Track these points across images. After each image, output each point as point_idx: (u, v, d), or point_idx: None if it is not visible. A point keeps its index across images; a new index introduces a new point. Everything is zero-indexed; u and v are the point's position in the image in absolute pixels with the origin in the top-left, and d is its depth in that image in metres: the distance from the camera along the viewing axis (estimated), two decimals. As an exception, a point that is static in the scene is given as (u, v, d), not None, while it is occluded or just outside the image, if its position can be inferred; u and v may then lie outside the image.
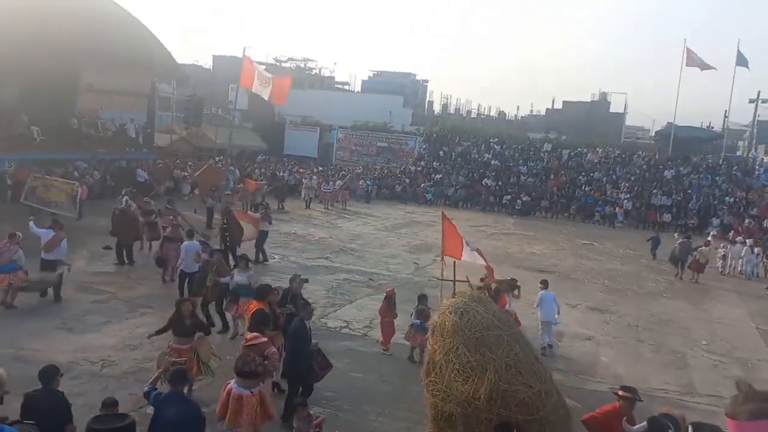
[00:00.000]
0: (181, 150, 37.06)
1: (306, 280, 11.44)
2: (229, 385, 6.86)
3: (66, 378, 6.18)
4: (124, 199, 17.33)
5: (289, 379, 8.50)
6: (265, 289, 9.23)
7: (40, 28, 21.80)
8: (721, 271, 21.82)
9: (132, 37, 25.63)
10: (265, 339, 7.93)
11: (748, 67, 39.28)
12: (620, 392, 6.77)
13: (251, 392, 6.76)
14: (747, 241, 22.67)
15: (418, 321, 10.67)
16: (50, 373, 6.00)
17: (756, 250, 22.20)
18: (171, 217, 16.57)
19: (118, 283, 14.06)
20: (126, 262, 15.84)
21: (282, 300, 9.64)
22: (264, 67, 19.67)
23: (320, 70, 69.24)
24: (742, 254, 21.84)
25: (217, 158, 37.38)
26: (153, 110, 31.26)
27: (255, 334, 7.93)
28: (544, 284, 12.42)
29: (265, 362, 7.38)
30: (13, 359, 8.88)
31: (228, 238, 15.89)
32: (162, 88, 33.62)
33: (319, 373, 8.62)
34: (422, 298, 11.07)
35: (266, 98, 20.77)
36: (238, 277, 11.15)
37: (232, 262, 13.73)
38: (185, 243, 13.27)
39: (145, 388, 6.47)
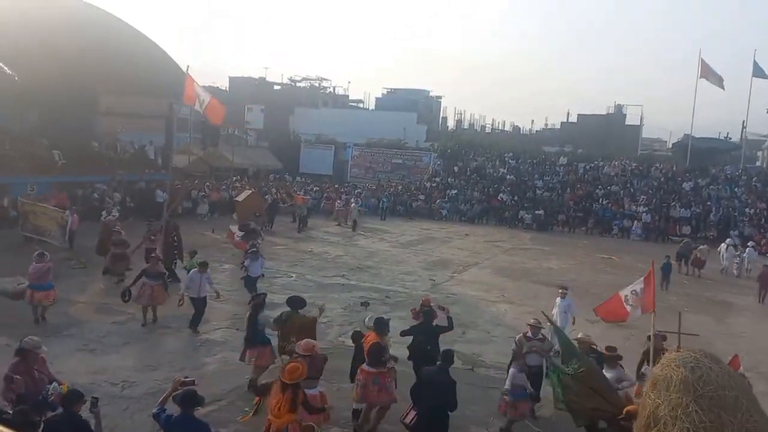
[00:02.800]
0: (199, 170, 37.47)
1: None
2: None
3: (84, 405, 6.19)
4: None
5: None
6: (384, 323, 9.11)
7: (60, 54, 22.31)
8: (737, 274, 23.77)
9: (150, 61, 26.12)
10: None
11: (766, 77, 38.98)
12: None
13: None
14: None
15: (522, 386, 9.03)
16: (72, 399, 5.89)
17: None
18: (152, 237, 16.27)
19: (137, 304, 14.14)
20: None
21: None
22: (202, 87, 20.47)
23: (334, 88, 69.76)
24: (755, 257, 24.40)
25: (234, 178, 37.78)
26: (171, 132, 31.63)
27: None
28: (565, 290, 12.79)
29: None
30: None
31: (175, 253, 16.53)
32: (180, 110, 34.01)
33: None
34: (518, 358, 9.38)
35: (200, 111, 21.64)
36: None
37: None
38: (192, 273, 12.58)
39: (155, 410, 6.15)
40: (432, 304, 10.99)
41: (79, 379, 9.07)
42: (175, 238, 16.78)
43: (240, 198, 24.69)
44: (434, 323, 10.03)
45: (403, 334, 10.15)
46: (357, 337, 9.61)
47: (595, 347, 9.72)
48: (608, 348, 9.36)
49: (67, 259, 17.32)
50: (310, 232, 27.72)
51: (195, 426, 5.95)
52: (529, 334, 9.95)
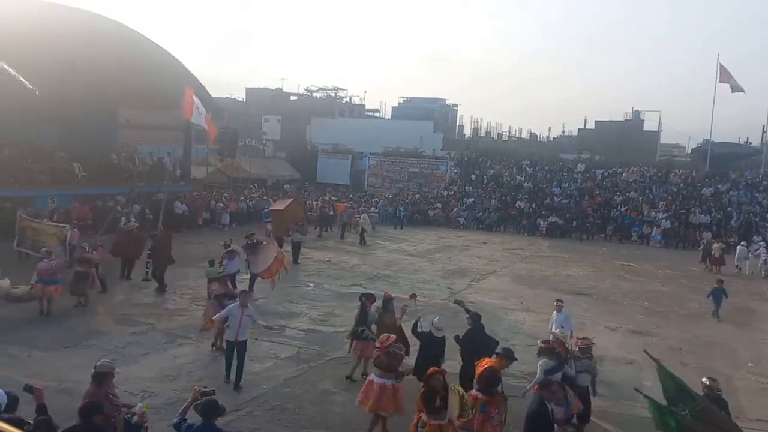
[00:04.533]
0: (217, 181, 37.78)
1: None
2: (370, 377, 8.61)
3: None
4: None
5: None
6: (511, 352, 8.96)
7: (79, 68, 22.59)
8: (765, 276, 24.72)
9: (167, 73, 26.36)
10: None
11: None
12: None
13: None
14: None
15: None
16: (89, 411, 5.93)
17: None
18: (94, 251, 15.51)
19: (157, 314, 14.27)
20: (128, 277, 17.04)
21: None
22: (200, 102, 21.10)
23: (351, 98, 70.06)
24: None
25: (251, 187, 38.02)
26: (189, 143, 31.96)
27: (387, 335, 9.08)
28: (561, 303, 12.27)
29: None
30: (58, 392, 9.05)
31: (152, 263, 16.75)
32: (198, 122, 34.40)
33: None
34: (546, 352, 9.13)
35: (204, 126, 22.35)
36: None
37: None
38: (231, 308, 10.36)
39: (175, 420, 6.17)
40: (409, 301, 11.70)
41: (99, 389, 9.12)
42: (164, 249, 16.91)
43: (279, 207, 23.64)
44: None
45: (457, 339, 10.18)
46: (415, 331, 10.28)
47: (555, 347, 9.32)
48: (544, 341, 9.50)
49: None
50: (326, 242, 27.77)
51: None
52: (579, 352, 9.32)
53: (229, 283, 12.86)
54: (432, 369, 7.97)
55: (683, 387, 7.43)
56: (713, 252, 25.38)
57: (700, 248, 27.14)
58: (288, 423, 9.03)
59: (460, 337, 10.10)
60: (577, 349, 9.38)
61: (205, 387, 6.63)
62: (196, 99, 21.07)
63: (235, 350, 10.17)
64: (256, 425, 8.89)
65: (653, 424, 7.08)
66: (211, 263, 15.27)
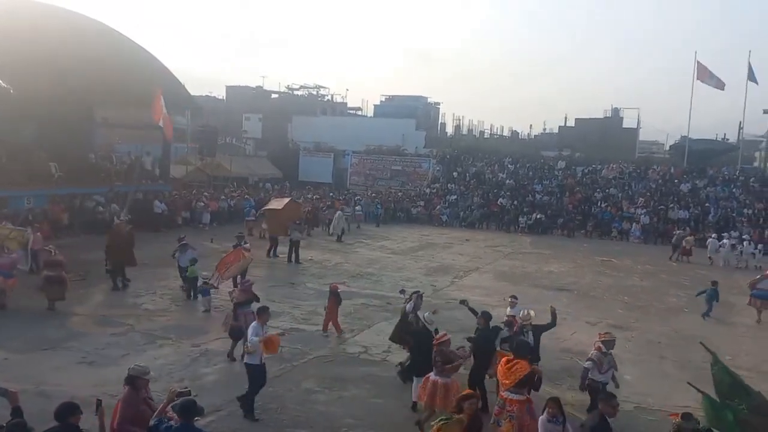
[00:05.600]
0: (197, 180, 37.44)
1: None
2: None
3: (87, 413, 6.12)
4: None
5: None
6: (526, 346, 8.83)
7: (56, 66, 22.27)
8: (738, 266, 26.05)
9: (146, 72, 26.03)
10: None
11: (757, 83, 39.13)
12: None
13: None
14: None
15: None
16: (65, 412, 5.80)
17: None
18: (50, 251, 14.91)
19: (136, 315, 14.11)
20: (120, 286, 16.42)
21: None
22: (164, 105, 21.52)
23: (332, 96, 69.85)
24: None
25: (231, 187, 37.76)
26: (168, 142, 31.63)
27: (444, 332, 9.39)
28: (515, 299, 12.23)
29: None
30: (36, 395, 8.92)
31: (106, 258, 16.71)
32: (176, 120, 34.00)
33: None
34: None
35: (163, 127, 22.79)
36: None
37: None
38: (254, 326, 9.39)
39: (153, 422, 6.04)
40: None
41: (79, 392, 8.98)
42: (121, 244, 16.81)
43: (276, 206, 23.62)
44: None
45: (470, 339, 10.21)
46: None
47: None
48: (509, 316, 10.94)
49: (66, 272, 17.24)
50: (311, 239, 27.65)
51: None
52: (604, 348, 9.32)
53: (252, 289, 12.14)
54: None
55: (738, 382, 7.33)
56: (684, 245, 27.05)
57: (672, 242, 28.45)
58: (270, 423, 8.96)
59: (473, 336, 10.20)
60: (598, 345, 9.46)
61: (184, 388, 6.55)
62: (163, 103, 21.27)
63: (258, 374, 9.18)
64: (237, 426, 8.81)
65: (705, 418, 7.06)
66: (193, 262, 15.55)
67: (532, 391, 8.42)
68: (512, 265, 23.51)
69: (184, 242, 16.72)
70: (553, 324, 10.69)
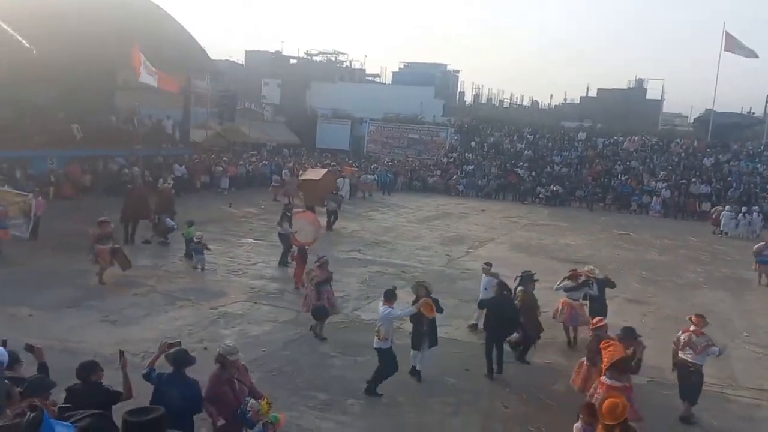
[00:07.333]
0: (216, 145, 37.57)
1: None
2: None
3: (109, 370, 6.27)
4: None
5: None
6: (631, 332, 8.56)
7: (78, 28, 22.29)
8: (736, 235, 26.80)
9: (167, 35, 26.06)
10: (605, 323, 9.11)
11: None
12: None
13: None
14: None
15: None
16: (86, 371, 5.89)
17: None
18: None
19: (157, 276, 14.36)
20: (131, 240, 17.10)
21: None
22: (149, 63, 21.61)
23: (351, 62, 69.17)
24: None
25: (251, 152, 37.85)
26: (188, 106, 31.70)
27: (600, 317, 9.47)
28: (488, 266, 12.21)
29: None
30: (61, 351, 9.16)
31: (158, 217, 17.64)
32: (197, 85, 33.98)
33: None
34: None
35: (155, 85, 23.10)
36: None
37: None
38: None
39: (145, 371, 6.33)
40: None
41: (102, 349, 9.23)
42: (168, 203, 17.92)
43: (314, 176, 23.88)
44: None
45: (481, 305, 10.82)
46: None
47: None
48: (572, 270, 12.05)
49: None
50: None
51: (185, 383, 6.19)
52: (698, 329, 8.95)
53: (327, 267, 11.61)
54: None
55: None
56: (712, 214, 28.48)
57: (713, 215, 28.69)
58: (286, 385, 9.13)
59: (484, 302, 10.65)
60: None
61: (174, 340, 6.80)
62: (143, 58, 21.43)
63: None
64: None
65: None
66: (190, 224, 16.22)
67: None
68: (528, 237, 23.46)
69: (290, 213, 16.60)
70: (613, 284, 12.28)
